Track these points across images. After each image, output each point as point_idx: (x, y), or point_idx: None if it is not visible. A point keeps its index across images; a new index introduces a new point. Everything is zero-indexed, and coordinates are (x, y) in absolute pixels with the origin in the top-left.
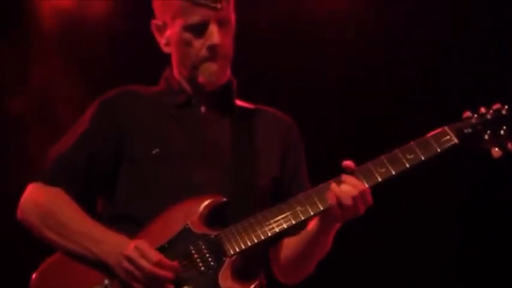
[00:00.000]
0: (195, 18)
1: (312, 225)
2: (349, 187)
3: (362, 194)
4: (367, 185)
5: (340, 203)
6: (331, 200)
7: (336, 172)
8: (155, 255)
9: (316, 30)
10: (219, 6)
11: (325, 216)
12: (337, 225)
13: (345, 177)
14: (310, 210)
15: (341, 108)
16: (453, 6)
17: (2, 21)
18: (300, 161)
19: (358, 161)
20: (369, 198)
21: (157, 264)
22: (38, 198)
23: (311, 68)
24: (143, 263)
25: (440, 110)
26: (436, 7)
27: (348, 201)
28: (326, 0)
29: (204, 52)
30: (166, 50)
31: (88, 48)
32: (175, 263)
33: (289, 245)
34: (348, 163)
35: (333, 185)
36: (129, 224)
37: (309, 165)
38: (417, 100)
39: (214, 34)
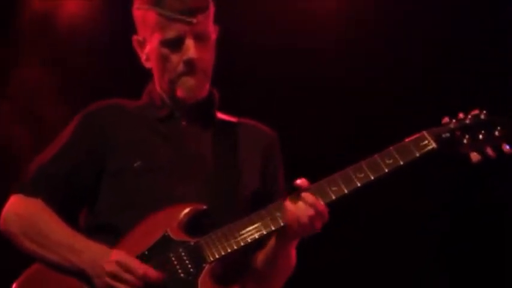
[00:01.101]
0: (171, 33)
1: (271, 240)
2: (304, 205)
3: (318, 212)
4: (322, 202)
5: (298, 222)
6: (286, 219)
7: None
8: (140, 269)
9: (312, 30)
10: (194, 20)
11: (282, 232)
12: (295, 241)
13: (303, 194)
14: (271, 225)
15: (339, 108)
16: (453, 7)
17: None
18: (278, 173)
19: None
20: (326, 215)
21: (143, 278)
22: (18, 210)
23: (308, 69)
24: (128, 277)
25: (439, 110)
26: (436, 7)
27: (304, 220)
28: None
29: (181, 67)
30: (147, 65)
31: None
32: (160, 274)
33: (256, 264)
34: (302, 182)
35: (287, 203)
36: (110, 234)
37: (308, 167)
38: (416, 101)
39: (190, 48)
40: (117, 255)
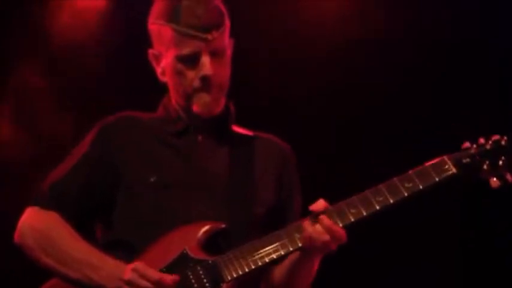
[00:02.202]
0: (186, 49)
1: (293, 254)
2: (321, 229)
3: (334, 237)
4: (341, 225)
5: (313, 244)
6: (302, 241)
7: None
8: (155, 274)
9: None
10: (209, 37)
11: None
12: (316, 259)
13: (321, 217)
14: (289, 246)
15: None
16: (452, 7)
17: None
18: (294, 188)
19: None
20: (343, 238)
21: (159, 283)
22: (34, 223)
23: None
24: (144, 283)
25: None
26: (434, 9)
27: (318, 243)
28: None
29: (197, 83)
30: (162, 78)
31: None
32: (175, 279)
33: (274, 274)
34: (319, 203)
35: (306, 224)
36: (126, 250)
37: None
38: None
39: (206, 65)
40: (134, 264)
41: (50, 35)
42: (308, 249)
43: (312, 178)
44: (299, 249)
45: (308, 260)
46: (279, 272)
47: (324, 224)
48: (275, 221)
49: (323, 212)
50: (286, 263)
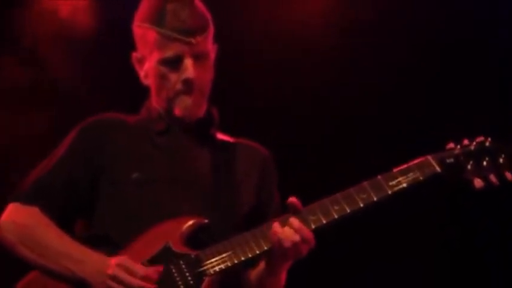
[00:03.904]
0: (169, 52)
1: (261, 263)
2: (291, 231)
3: (304, 239)
4: (313, 226)
5: (280, 245)
6: (271, 242)
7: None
8: (140, 269)
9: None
10: (193, 41)
11: (270, 254)
12: (285, 265)
13: (291, 219)
14: (263, 245)
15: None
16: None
17: None
18: (274, 190)
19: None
20: (312, 242)
21: (144, 277)
22: (15, 218)
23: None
24: (129, 278)
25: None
26: (428, 9)
27: (287, 244)
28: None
29: (179, 86)
30: (145, 82)
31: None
32: (159, 273)
33: (249, 276)
34: (292, 201)
35: (275, 225)
36: (108, 245)
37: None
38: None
39: (188, 68)
40: (118, 259)
41: (26, 31)
42: (276, 251)
43: (306, 178)
44: (270, 250)
45: (274, 267)
46: (252, 280)
47: (292, 225)
48: (255, 220)
49: (294, 213)
50: (258, 271)
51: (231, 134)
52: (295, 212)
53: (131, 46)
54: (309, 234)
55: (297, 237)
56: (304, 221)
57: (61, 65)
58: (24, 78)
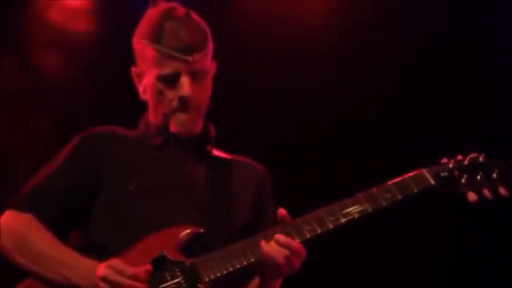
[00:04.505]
0: (166, 70)
1: (255, 279)
2: (277, 246)
3: (293, 251)
4: (298, 240)
5: (271, 261)
6: (262, 257)
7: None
8: (130, 269)
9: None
10: (190, 59)
11: (262, 269)
12: (278, 280)
13: (276, 236)
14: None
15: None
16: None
17: None
18: (269, 207)
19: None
20: (302, 254)
21: (134, 277)
22: (10, 225)
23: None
24: (119, 278)
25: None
26: (428, 9)
27: (280, 260)
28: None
29: (175, 103)
30: (143, 96)
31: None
32: (149, 272)
33: None
34: (281, 213)
35: (262, 242)
36: (103, 254)
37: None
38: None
39: (185, 86)
40: (109, 261)
41: (26, 32)
42: (266, 266)
43: (306, 178)
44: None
45: (265, 283)
46: None
47: (279, 241)
48: (250, 234)
49: (280, 229)
50: (255, 281)
51: (230, 135)
52: (284, 225)
53: (132, 48)
54: (297, 247)
55: (284, 252)
56: (297, 232)
57: (61, 67)
58: (25, 79)
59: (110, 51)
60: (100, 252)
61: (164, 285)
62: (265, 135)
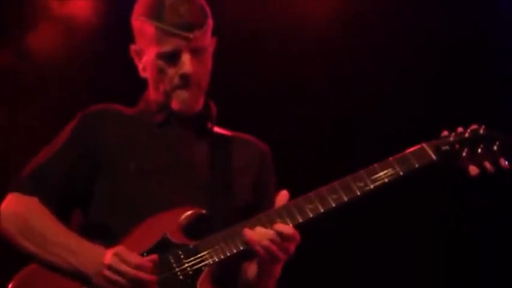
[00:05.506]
0: (167, 47)
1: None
2: (266, 231)
3: (285, 236)
4: (297, 222)
5: (258, 245)
6: (248, 243)
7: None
8: (135, 259)
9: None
10: (191, 36)
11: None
12: (276, 267)
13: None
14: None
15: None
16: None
17: None
18: (270, 185)
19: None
20: (296, 237)
21: (139, 267)
22: (14, 209)
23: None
24: (124, 267)
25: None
26: (428, 9)
27: (265, 243)
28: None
29: (176, 80)
30: (143, 74)
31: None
32: (154, 264)
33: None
34: (282, 195)
35: (246, 231)
36: (106, 236)
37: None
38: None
39: (186, 63)
40: (114, 249)
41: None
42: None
43: (305, 178)
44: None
45: (264, 268)
46: (249, 274)
47: (275, 227)
48: (252, 212)
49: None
50: (252, 270)
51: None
52: (278, 208)
53: (130, 40)
54: (290, 231)
55: (274, 236)
56: (290, 216)
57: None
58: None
59: (112, 46)
60: (101, 233)
61: (170, 273)
62: (265, 136)
